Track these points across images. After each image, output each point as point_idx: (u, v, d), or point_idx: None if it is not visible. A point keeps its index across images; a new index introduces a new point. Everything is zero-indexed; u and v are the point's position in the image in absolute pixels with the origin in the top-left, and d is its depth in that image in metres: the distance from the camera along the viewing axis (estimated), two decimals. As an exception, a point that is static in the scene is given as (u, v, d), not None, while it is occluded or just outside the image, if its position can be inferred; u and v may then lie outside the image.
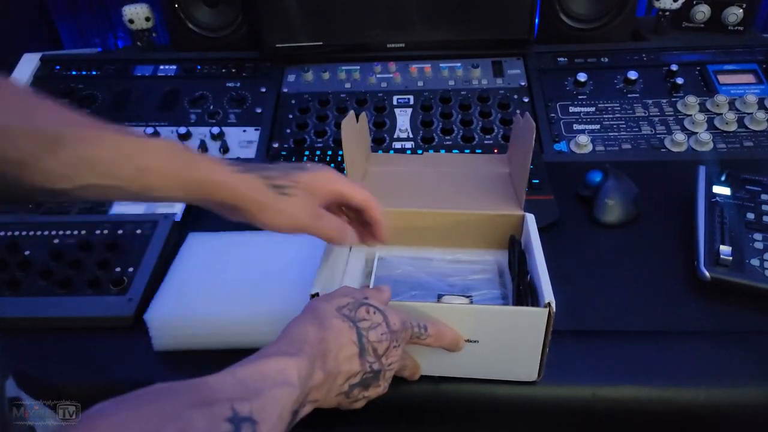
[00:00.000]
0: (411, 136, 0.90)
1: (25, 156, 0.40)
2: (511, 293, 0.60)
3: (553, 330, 0.51)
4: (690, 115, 0.89)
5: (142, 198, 0.46)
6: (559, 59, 0.99)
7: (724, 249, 0.64)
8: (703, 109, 0.90)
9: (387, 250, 0.67)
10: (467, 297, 0.60)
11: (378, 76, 0.99)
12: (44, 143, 0.40)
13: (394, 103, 0.95)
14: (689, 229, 0.70)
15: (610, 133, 0.88)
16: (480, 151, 0.86)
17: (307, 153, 0.89)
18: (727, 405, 0.55)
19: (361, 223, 0.57)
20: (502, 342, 0.53)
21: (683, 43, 1.00)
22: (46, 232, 0.72)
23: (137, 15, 1.07)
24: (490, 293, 0.62)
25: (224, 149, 0.90)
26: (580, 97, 0.93)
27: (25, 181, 0.40)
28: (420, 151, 0.87)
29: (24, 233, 0.72)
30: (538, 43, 1.00)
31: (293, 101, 0.97)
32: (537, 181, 0.78)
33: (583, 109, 0.92)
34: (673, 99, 0.92)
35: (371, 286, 0.60)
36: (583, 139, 0.86)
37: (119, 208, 0.77)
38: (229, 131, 0.92)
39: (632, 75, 0.93)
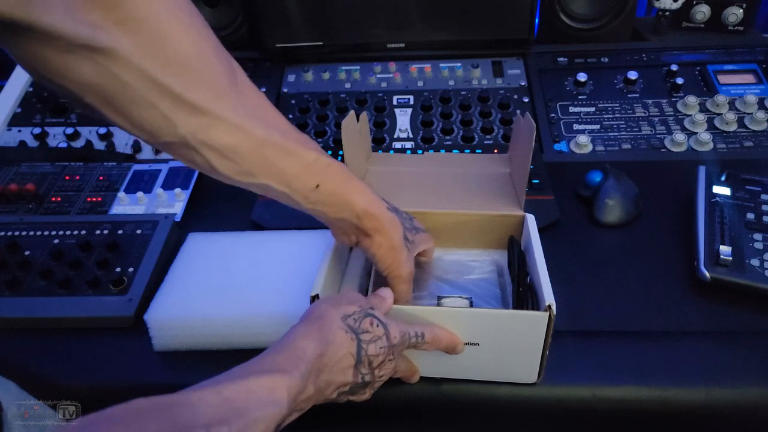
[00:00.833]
0: (411, 136, 0.90)
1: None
2: (511, 294, 0.60)
3: (553, 330, 0.51)
4: (690, 115, 0.89)
5: (296, 206, 0.50)
6: (559, 59, 0.99)
7: (724, 249, 0.64)
8: (703, 109, 0.90)
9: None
10: (467, 297, 0.60)
11: (378, 76, 0.99)
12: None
13: (394, 103, 0.95)
14: (689, 229, 0.70)
15: (610, 133, 0.88)
16: (480, 151, 0.86)
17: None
18: (727, 405, 0.55)
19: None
20: (503, 345, 0.53)
21: (683, 43, 1.00)
22: (46, 232, 0.72)
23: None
24: (490, 293, 0.62)
25: (224, 149, 0.90)
26: (580, 97, 0.93)
27: (220, 171, 0.45)
28: (420, 151, 0.87)
29: (24, 233, 0.72)
30: (538, 43, 1.00)
31: (293, 101, 0.97)
32: (537, 181, 0.78)
33: (583, 109, 0.92)
34: (673, 99, 0.92)
35: (371, 286, 0.60)
36: (583, 139, 0.86)
37: (119, 208, 0.77)
38: (229, 131, 0.92)
39: (632, 75, 0.93)
